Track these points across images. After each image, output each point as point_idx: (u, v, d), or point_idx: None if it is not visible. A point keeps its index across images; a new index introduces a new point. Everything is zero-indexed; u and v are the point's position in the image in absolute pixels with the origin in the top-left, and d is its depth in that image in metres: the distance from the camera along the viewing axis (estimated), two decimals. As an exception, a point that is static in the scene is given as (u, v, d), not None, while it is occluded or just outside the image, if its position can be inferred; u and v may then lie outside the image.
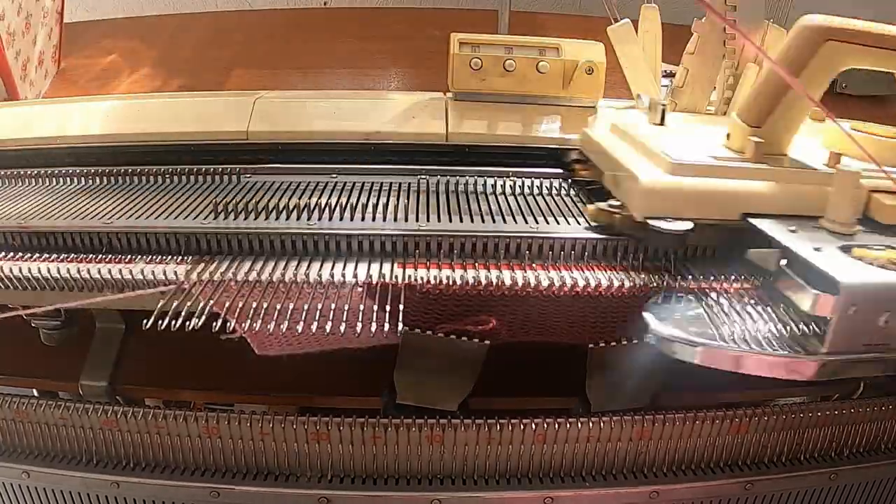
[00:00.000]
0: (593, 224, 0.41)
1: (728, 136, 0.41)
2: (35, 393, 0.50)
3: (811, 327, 0.33)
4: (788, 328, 0.34)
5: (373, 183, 0.49)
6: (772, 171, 0.38)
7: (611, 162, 0.43)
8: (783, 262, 0.35)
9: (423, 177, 0.50)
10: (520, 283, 0.37)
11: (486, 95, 0.56)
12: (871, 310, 0.31)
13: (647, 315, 0.35)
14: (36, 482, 0.41)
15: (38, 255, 0.39)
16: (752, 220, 0.37)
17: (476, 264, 0.39)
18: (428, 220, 0.42)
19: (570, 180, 0.49)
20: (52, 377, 0.50)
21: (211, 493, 0.40)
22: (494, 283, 0.37)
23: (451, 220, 0.42)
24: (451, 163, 0.52)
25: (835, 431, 0.44)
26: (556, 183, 0.49)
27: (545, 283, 0.38)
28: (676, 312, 0.36)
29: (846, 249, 0.34)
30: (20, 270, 0.38)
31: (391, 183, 0.49)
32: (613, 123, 0.48)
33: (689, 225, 0.37)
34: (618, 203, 0.40)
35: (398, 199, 0.45)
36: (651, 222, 0.37)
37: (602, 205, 0.41)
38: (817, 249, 0.34)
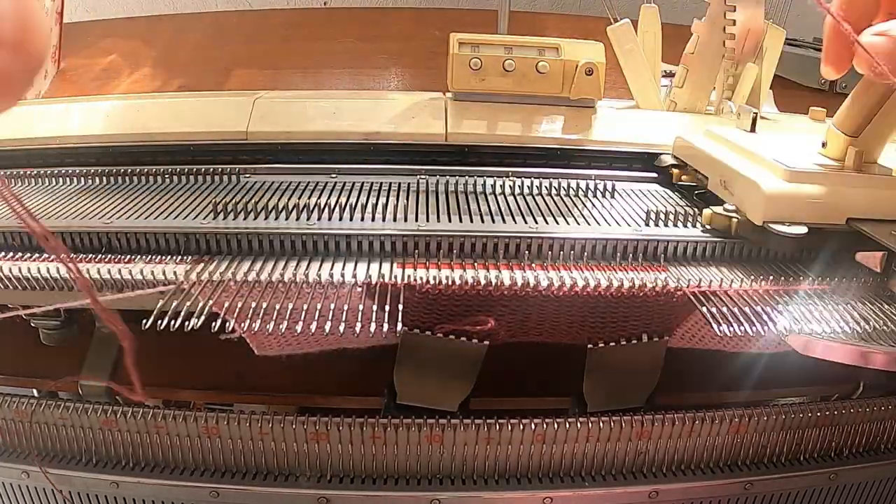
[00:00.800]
0: (707, 228, 0.43)
1: (824, 144, 0.43)
2: (35, 393, 0.50)
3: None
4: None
5: (373, 183, 0.49)
6: (872, 179, 0.41)
7: (719, 168, 0.45)
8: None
9: (422, 177, 0.50)
10: (519, 283, 0.37)
11: (486, 95, 0.56)
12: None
13: (779, 316, 0.37)
14: (36, 482, 0.41)
15: (37, 255, 0.39)
16: (859, 225, 0.39)
17: (476, 264, 0.39)
18: (428, 220, 0.42)
19: (672, 185, 0.51)
20: (52, 377, 0.50)
21: (211, 493, 0.40)
22: (494, 283, 0.37)
23: (450, 220, 0.42)
24: (450, 163, 0.52)
25: (835, 431, 0.44)
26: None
27: (545, 283, 0.38)
28: (803, 311, 0.38)
29: None
30: (20, 270, 0.38)
31: (391, 183, 0.49)
32: (708, 130, 0.50)
33: (803, 229, 0.39)
34: (732, 208, 0.43)
35: (398, 199, 0.45)
36: (772, 226, 0.39)
37: (717, 209, 0.43)
38: None
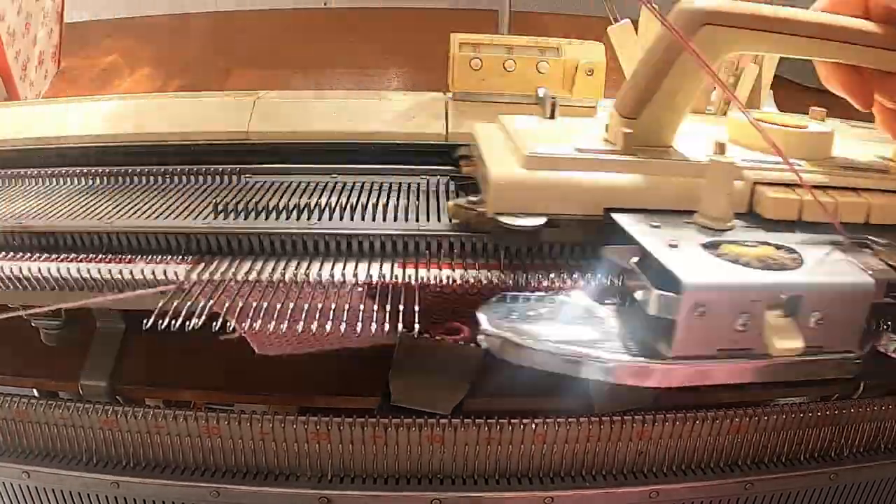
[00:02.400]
0: (453, 221, 0.40)
1: (606, 127, 0.40)
2: (35, 393, 0.50)
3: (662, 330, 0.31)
4: (639, 332, 0.32)
5: (373, 183, 0.49)
6: (640, 164, 0.37)
7: (480, 157, 0.42)
8: (634, 259, 0.33)
9: (423, 177, 0.50)
10: (520, 283, 0.37)
11: (486, 95, 0.56)
12: (725, 312, 0.29)
13: (479, 314, 0.34)
14: (36, 482, 0.41)
15: (38, 255, 0.39)
16: (614, 216, 0.36)
17: (476, 264, 0.39)
18: (428, 220, 0.42)
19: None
20: (52, 377, 0.50)
21: (211, 493, 0.40)
22: (494, 283, 0.37)
23: (450, 221, 0.42)
24: (450, 163, 0.52)
25: (835, 431, 0.44)
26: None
27: (545, 283, 0.37)
28: (515, 312, 0.34)
29: (713, 246, 0.32)
30: (20, 270, 0.38)
31: (391, 183, 0.49)
32: (500, 117, 0.46)
33: (540, 221, 0.35)
34: (476, 199, 0.39)
35: (398, 199, 0.45)
36: (501, 218, 0.36)
37: (461, 201, 0.39)
38: (673, 246, 0.32)
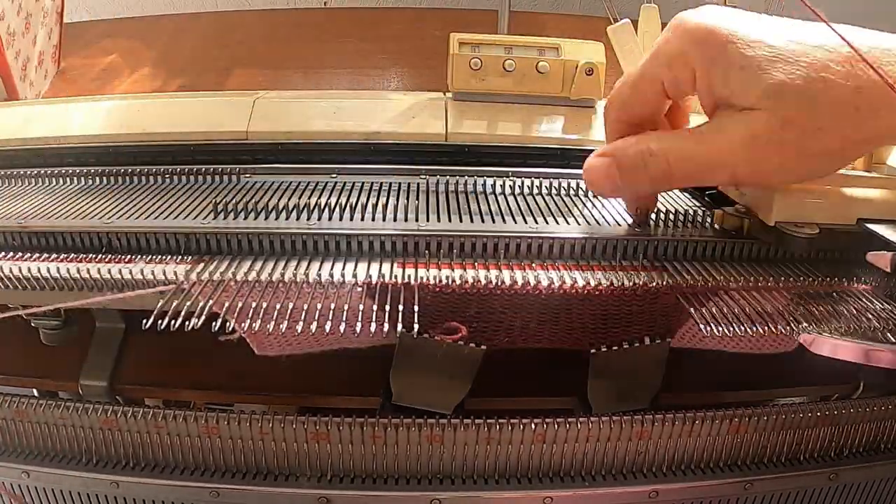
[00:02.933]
0: (718, 228, 0.44)
1: None
2: (35, 393, 0.50)
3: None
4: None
5: (373, 183, 0.49)
6: (882, 180, 0.41)
7: None
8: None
9: (422, 177, 0.50)
10: (520, 283, 0.37)
11: (486, 95, 0.56)
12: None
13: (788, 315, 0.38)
14: (36, 482, 0.41)
15: (38, 255, 0.39)
16: (868, 225, 0.39)
17: (476, 264, 0.39)
18: (428, 220, 0.42)
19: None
20: (52, 377, 0.50)
21: (211, 493, 0.40)
22: (495, 283, 0.37)
23: (450, 220, 0.42)
24: (450, 163, 0.52)
25: (835, 431, 0.44)
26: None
27: (545, 283, 0.38)
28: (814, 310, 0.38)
29: None
30: (20, 270, 0.38)
31: (391, 183, 0.49)
32: None
33: (815, 229, 0.39)
34: (743, 209, 0.43)
35: (398, 199, 0.45)
36: (784, 227, 0.40)
37: (729, 210, 0.43)
38: None
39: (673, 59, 0.37)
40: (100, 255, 0.40)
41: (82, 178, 0.49)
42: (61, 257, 0.39)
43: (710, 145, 0.37)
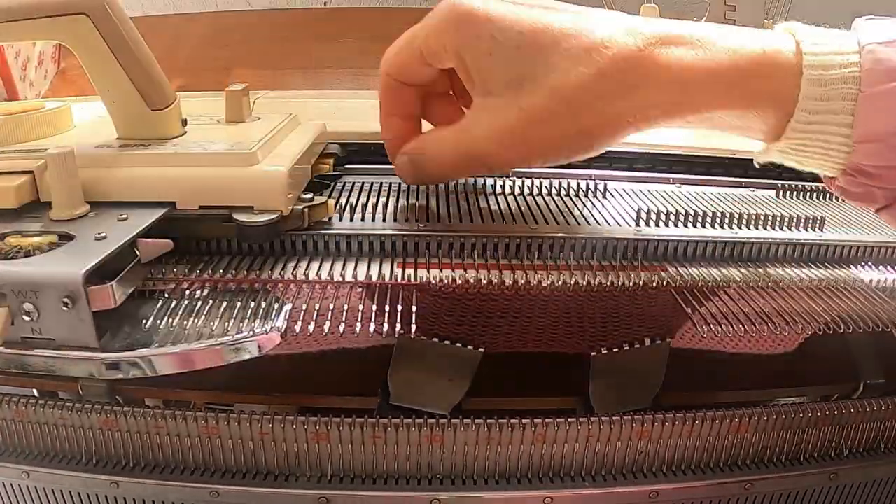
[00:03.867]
0: None
1: None
2: (35, 393, 0.50)
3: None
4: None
5: (373, 183, 0.49)
6: None
7: None
8: None
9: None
10: (520, 283, 0.37)
11: (486, 95, 0.56)
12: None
13: None
14: (36, 482, 0.41)
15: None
16: None
17: (476, 264, 0.39)
18: (428, 220, 0.42)
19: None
20: (52, 377, 0.50)
21: (211, 493, 0.40)
22: (495, 283, 0.37)
23: (450, 221, 0.42)
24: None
25: (835, 431, 0.44)
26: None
27: (545, 283, 0.38)
28: None
29: None
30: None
31: (391, 183, 0.49)
32: None
33: None
34: None
35: (398, 199, 0.45)
36: None
37: None
38: None
39: (430, 34, 0.38)
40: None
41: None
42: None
43: (468, 141, 0.38)
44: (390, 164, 0.53)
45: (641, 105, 0.35)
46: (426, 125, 0.44)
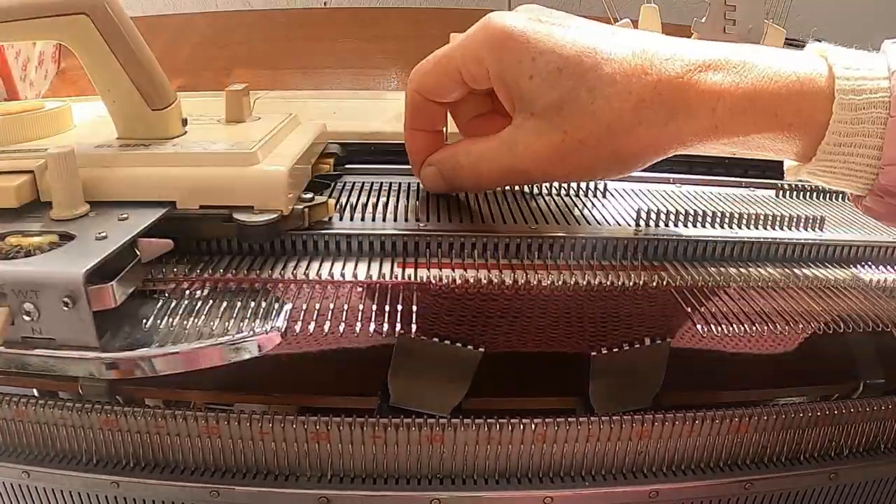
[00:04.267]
0: None
1: None
2: (35, 393, 0.50)
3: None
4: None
5: (373, 183, 0.49)
6: None
7: None
8: None
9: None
10: (520, 283, 0.37)
11: (486, 95, 0.56)
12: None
13: None
14: (36, 482, 0.41)
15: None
16: None
17: (476, 264, 0.39)
18: (428, 220, 0.42)
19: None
20: (52, 377, 0.50)
21: (211, 493, 0.40)
22: (495, 283, 0.37)
23: (450, 220, 0.42)
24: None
25: (835, 431, 0.44)
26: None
27: (545, 283, 0.38)
28: None
29: None
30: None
31: (391, 183, 0.49)
32: None
33: None
34: None
35: (398, 199, 0.45)
36: None
37: None
38: None
39: (468, 58, 0.38)
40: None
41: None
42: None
43: (511, 157, 0.39)
44: (390, 163, 0.53)
45: (680, 132, 0.36)
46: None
